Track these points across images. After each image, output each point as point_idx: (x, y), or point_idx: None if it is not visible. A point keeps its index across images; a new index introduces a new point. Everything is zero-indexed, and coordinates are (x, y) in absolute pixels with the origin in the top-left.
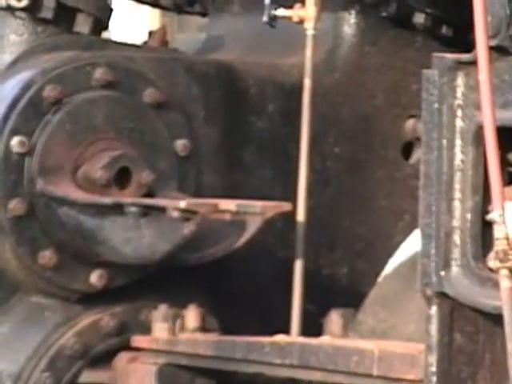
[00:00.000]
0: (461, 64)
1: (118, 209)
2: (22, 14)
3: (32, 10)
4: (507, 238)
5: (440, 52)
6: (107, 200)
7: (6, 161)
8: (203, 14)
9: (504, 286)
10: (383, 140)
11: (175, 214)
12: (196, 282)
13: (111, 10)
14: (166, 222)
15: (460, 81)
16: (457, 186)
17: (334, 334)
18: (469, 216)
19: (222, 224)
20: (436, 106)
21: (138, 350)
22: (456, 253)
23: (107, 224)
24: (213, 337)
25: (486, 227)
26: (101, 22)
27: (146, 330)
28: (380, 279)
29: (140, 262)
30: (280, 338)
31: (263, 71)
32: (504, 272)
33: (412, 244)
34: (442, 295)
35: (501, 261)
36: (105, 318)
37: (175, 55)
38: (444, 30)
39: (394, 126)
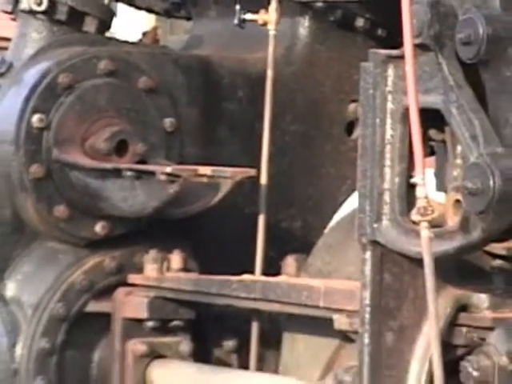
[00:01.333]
0: (391, 58)
1: (117, 173)
2: (42, 16)
3: (49, 13)
4: (426, 197)
5: (376, 49)
6: (108, 166)
7: (27, 134)
8: (188, 18)
9: (424, 235)
10: (330, 120)
11: (163, 177)
12: (179, 232)
13: (113, 13)
14: (155, 183)
15: (390, 71)
16: (387, 155)
17: (289, 274)
18: (397, 180)
19: (200, 186)
20: (371, 91)
21: (132, 285)
22: (386, 209)
23: (108, 185)
24: (193, 276)
25: (410, 189)
26: (105, 24)
27: (140, 269)
28: (326, 230)
29: (135, 216)
30: (246, 277)
31: (234, 64)
32: (424, 224)
33: (351, 203)
34: (375, 243)
35: (421, 215)
36: (107, 259)
37: (164, 50)
38: (379, 31)
39: (339, 109)
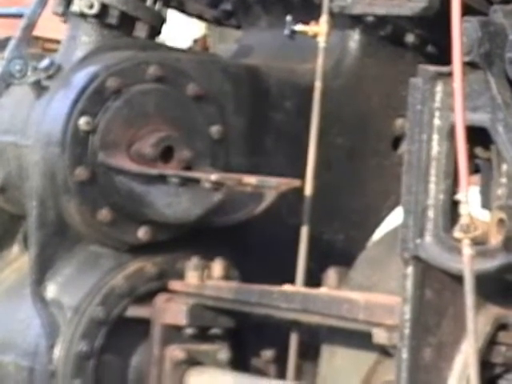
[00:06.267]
0: (440, 75)
1: (162, 179)
2: (92, 20)
3: (100, 16)
4: (470, 215)
5: (425, 65)
6: (154, 171)
7: (74, 136)
8: (238, 27)
9: (466, 252)
10: (377, 134)
11: (207, 185)
12: (222, 240)
13: (164, 19)
14: (199, 190)
15: (439, 88)
16: (432, 171)
17: (330, 287)
18: (441, 196)
19: (244, 195)
20: (419, 107)
21: (173, 292)
22: (429, 225)
23: (153, 190)
24: (233, 284)
25: (454, 205)
26: (155, 29)
27: (181, 276)
28: (369, 244)
29: (178, 222)
30: (287, 287)
31: (283, 74)
32: (466, 241)
33: (395, 218)
34: (417, 258)
35: (464, 232)
36: (148, 265)
37: (212, 58)
38: (429, 48)
39: (385, 124)
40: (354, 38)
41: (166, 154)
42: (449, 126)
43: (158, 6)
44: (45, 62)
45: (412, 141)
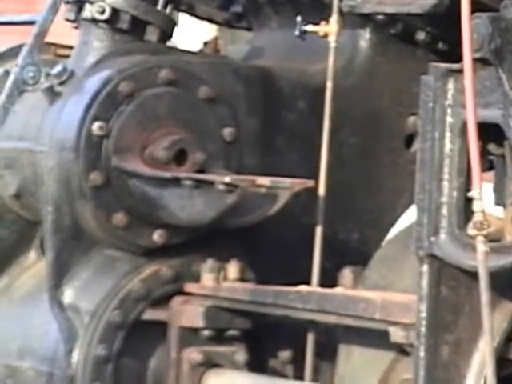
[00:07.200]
0: (451, 72)
1: (175, 182)
2: (104, 25)
3: (111, 21)
4: (483, 212)
5: (436, 62)
6: (167, 174)
7: (88, 141)
8: (249, 29)
9: (480, 249)
10: (389, 132)
11: (221, 187)
12: (237, 242)
13: (175, 23)
14: (213, 193)
15: (450, 85)
16: (445, 169)
17: (345, 286)
18: (454, 193)
19: (258, 196)
20: (431, 105)
21: (189, 294)
22: (444, 223)
23: (167, 194)
24: (249, 285)
25: (468, 203)
26: (166, 33)
27: (196, 278)
28: (384, 243)
29: (192, 225)
30: (302, 287)
31: (294, 74)
32: (480, 238)
33: (409, 216)
34: (432, 256)
35: (478, 229)
36: (164, 268)
37: (224, 60)
38: (440, 45)
39: (398, 121)
40: (365, 37)
41: (180, 157)
42: (461, 123)
43: (168, 10)
44: (57, 68)
45: (424, 138)
